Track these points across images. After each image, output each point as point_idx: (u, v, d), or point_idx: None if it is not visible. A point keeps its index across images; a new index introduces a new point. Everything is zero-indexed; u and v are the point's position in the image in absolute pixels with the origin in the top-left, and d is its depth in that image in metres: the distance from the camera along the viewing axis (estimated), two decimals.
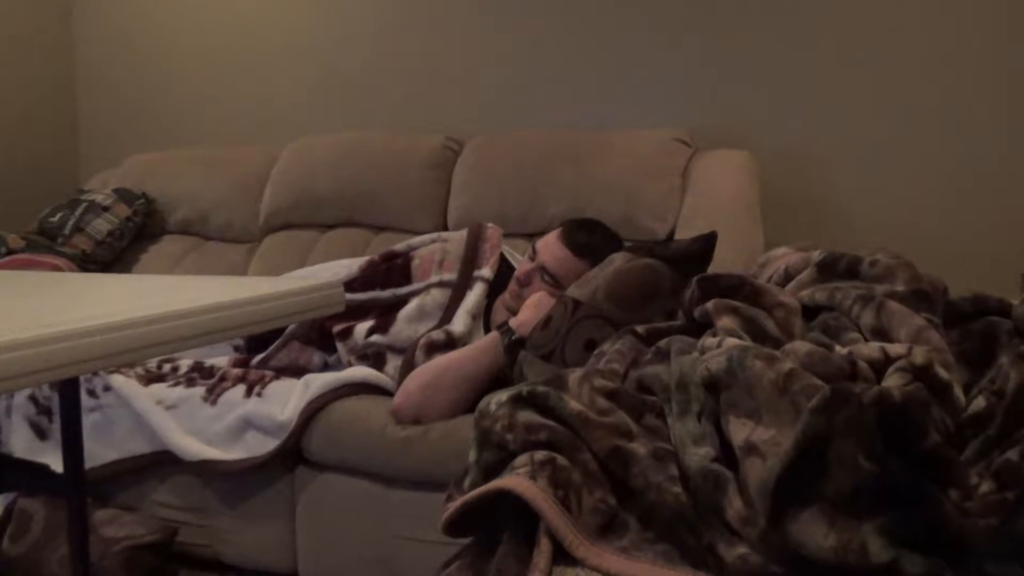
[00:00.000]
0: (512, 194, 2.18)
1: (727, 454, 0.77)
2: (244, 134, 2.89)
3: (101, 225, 2.53)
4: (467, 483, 0.84)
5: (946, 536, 0.63)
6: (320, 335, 1.82)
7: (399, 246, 1.93)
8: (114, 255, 2.59)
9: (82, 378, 1.62)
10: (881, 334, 0.96)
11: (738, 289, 1.06)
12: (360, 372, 1.69)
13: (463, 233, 1.89)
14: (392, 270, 1.84)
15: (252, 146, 2.73)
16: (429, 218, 2.31)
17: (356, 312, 1.79)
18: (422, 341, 1.64)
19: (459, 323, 1.68)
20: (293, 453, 1.64)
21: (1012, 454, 0.72)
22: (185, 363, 1.83)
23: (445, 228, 2.28)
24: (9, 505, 1.69)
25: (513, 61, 2.51)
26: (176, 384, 1.73)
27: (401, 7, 2.65)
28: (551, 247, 1.67)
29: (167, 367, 1.83)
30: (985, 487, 0.70)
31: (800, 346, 0.84)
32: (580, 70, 2.43)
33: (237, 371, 1.75)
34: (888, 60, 2.15)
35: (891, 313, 0.96)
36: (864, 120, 2.17)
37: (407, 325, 1.73)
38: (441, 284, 1.78)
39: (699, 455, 0.77)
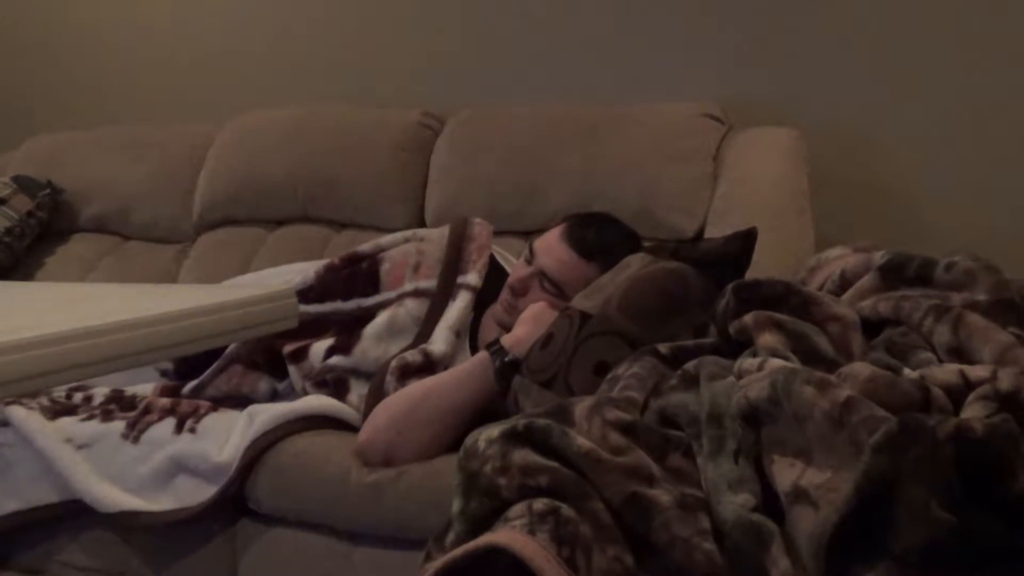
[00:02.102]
0: (504, 182, 2.19)
1: (771, 502, 0.77)
2: (173, 109, 2.89)
3: None
4: (450, 539, 0.84)
5: None
6: (268, 357, 1.81)
7: (365, 247, 1.93)
8: (13, 259, 2.59)
9: None
10: (959, 354, 0.96)
11: (783, 299, 1.06)
12: (317, 402, 1.68)
13: (444, 231, 1.89)
14: (356, 276, 1.84)
15: (183, 124, 2.72)
16: (402, 212, 2.32)
17: (312, 328, 1.78)
18: (394, 364, 1.63)
19: (439, 341, 1.68)
20: (235, 502, 1.63)
21: None
22: (101, 392, 1.83)
23: (422, 224, 2.28)
24: None
25: (507, 19, 2.51)
26: (90, 418, 1.72)
27: None
28: (552, 248, 1.67)
29: (78, 397, 1.82)
30: None
31: (860, 369, 0.84)
32: (589, 30, 2.44)
33: (165, 401, 1.74)
34: (960, 21, 2.15)
35: (971, 328, 0.97)
36: (935, 92, 2.18)
37: (375, 344, 1.73)
38: (417, 293, 1.78)
39: (736, 503, 0.77)
